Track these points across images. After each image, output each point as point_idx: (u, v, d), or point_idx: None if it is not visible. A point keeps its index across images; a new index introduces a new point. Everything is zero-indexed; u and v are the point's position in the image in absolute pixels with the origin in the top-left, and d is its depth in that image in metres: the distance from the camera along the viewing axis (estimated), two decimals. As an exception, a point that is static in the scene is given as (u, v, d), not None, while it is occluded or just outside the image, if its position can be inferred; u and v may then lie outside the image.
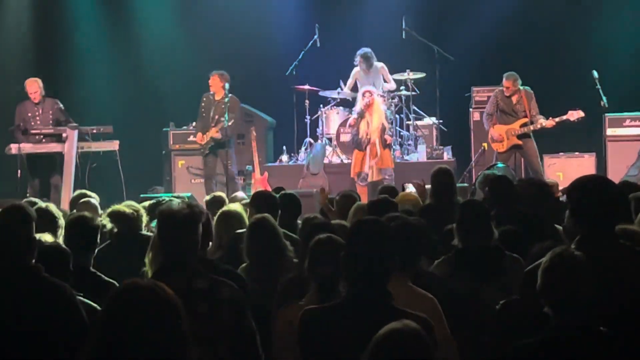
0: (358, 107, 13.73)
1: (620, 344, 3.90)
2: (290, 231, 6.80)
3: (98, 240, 5.82)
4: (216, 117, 13.78)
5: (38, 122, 13.31)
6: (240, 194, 8.80)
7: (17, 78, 15.19)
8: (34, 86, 13.44)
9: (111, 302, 2.98)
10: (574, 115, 13.37)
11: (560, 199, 8.40)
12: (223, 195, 9.15)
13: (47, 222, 6.26)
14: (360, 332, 3.67)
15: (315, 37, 15.51)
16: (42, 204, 6.76)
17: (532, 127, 13.42)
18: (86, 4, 16.44)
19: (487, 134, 13.95)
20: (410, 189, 10.54)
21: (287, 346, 4.66)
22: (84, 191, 9.54)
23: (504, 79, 13.54)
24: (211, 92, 13.92)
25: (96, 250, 5.86)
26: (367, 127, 13.53)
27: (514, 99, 13.52)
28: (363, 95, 13.69)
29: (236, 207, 7.30)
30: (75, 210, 7.79)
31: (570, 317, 3.89)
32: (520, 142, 13.50)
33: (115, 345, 2.88)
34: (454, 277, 4.81)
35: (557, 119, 13.39)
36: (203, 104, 13.98)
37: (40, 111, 13.37)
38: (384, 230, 4.13)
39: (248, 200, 8.18)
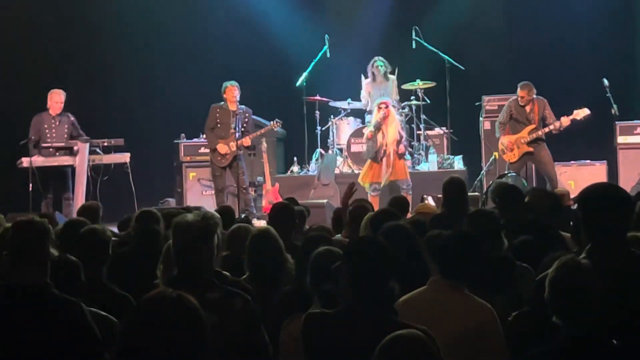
0: (374, 119, 13.67)
1: (630, 355, 3.88)
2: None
3: (110, 252, 5.80)
4: (236, 128, 13.70)
5: (54, 135, 13.33)
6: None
7: (29, 91, 15.26)
8: (60, 97, 13.47)
9: (135, 313, 2.98)
10: (580, 114, 13.34)
11: (572, 207, 8.38)
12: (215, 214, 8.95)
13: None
14: (361, 340, 3.68)
15: (325, 47, 15.53)
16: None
17: (540, 132, 13.39)
18: (97, 14, 16.49)
19: (497, 142, 13.93)
20: (430, 201, 10.55)
21: (291, 359, 4.67)
22: (90, 203, 9.56)
23: (518, 89, 13.51)
24: (222, 103, 13.88)
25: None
26: (383, 138, 13.49)
27: (528, 108, 13.50)
28: (379, 107, 13.65)
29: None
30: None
31: (579, 326, 3.88)
32: (531, 149, 13.47)
33: (138, 354, 2.88)
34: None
35: (571, 117, 13.35)
36: (218, 115, 13.91)
37: (57, 123, 13.41)
38: (380, 249, 4.12)
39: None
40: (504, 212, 6.97)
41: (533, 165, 14.15)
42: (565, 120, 13.33)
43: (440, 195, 9.71)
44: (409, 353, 3.22)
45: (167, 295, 3.00)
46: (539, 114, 13.47)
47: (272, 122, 14.18)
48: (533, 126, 13.45)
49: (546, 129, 13.38)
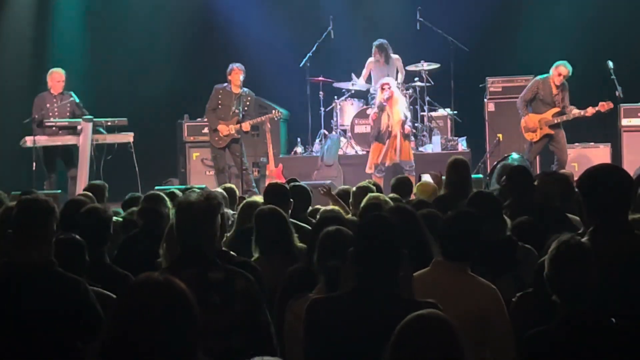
0: (378, 100, 13.67)
1: (629, 333, 3.88)
2: (300, 222, 6.88)
3: (111, 231, 5.82)
4: (237, 110, 13.69)
5: (56, 114, 13.34)
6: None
7: (31, 70, 15.25)
8: (61, 76, 13.51)
9: (124, 297, 2.98)
10: (605, 106, 13.34)
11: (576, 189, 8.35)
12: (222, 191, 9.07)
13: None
14: (366, 322, 3.66)
15: (330, 28, 15.51)
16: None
17: (564, 117, 13.36)
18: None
19: (500, 124, 13.90)
20: (427, 179, 10.52)
21: (296, 339, 4.67)
22: (95, 182, 9.57)
23: (562, 67, 13.34)
24: (226, 85, 13.87)
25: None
26: (389, 119, 13.49)
27: (556, 89, 13.44)
28: (382, 88, 13.63)
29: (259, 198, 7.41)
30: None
31: (578, 305, 3.89)
32: (552, 132, 13.42)
33: (127, 339, 2.88)
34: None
35: (596, 109, 13.34)
36: (220, 96, 13.91)
37: (59, 102, 13.42)
38: (392, 228, 4.12)
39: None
40: (511, 193, 6.97)
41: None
42: (591, 111, 13.33)
43: (434, 172, 9.73)
44: (432, 334, 3.18)
45: (154, 279, 2.99)
46: (563, 97, 13.44)
47: (273, 111, 14.19)
48: (557, 109, 13.41)
49: (571, 116, 13.35)
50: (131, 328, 2.87)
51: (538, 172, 12.33)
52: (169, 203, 6.94)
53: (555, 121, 13.38)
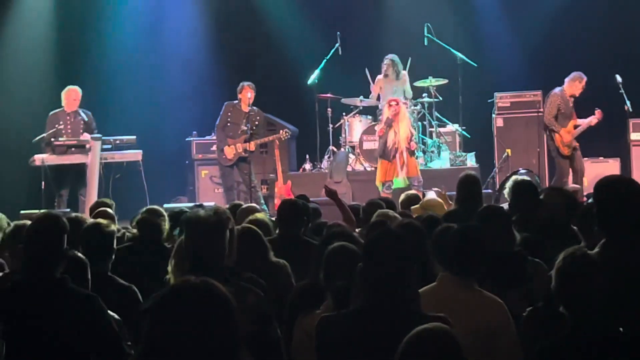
0: (385, 116, 13.67)
1: (638, 345, 3.86)
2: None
3: (115, 246, 5.86)
4: (246, 128, 13.75)
5: (69, 131, 13.33)
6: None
7: (40, 89, 15.28)
8: (77, 94, 13.50)
9: (163, 303, 2.94)
10: (600, 114, 13.42)
11: (585, 204, 8.33)
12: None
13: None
14: (378, 338, 3.65)
15: (337, 45, 15.51)
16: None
17: (581, 129, 13.44)
18: (109, 13, 16.49)
19: (508, 139, 13.86)
20: (431, 195, 10.51)
21: (304, 356, 4.66)
22: (103, 200, 9.58)
23: (577, 78, 13.44)
24: (236, 102, 13.93)
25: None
26: (395, 136, 13.49)
27: (572, 100, 13.50)
28: (389, 104, 13.63)
29: (262, 216, 7.39)
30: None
31: (585, 316, 3.87)
32: (577, 144, 13.50)
33: (170, 345, 2.84)
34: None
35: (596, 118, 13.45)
36: (230, 114, 13.96)
37: (73, 120, 13.41)
38: (400, 243, 4.10)
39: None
40: (517, 208, 6.94)
41: (546, 161, 14.13)
42: (594, 120, 13.44)
43: (437, 189, 9.72)
44: (437, 348, 3.19)
45: (194, 283, 2.98)
46: (574, 109, 13.51)
47: (281, 132, 14.22)
48: (575, 121, 13.47)
49: (585, 126, 13.40)
50: (175, 334, 2.84)
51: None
52: (166, 217, 6.98)
53: (578, 133, 13.44)
